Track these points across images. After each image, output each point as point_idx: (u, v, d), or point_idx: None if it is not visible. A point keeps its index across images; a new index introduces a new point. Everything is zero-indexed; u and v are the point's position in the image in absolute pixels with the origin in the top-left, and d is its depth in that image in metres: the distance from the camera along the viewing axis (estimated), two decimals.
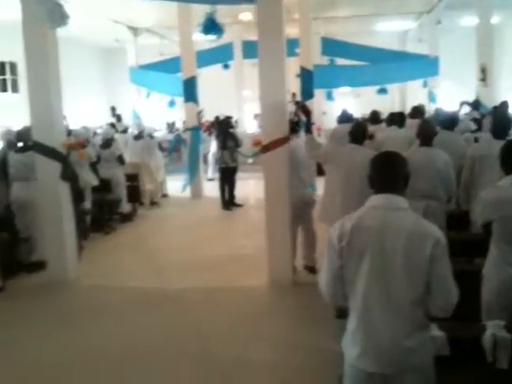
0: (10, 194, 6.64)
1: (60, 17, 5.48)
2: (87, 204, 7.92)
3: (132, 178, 9.60)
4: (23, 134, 6.75)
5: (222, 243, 7.58)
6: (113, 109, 14.03)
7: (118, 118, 13.62)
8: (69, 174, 5.98)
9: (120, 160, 9.08)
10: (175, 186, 11.73)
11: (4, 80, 15.26)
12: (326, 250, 2.32)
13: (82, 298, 5.66)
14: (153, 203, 10.53)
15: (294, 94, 12.90)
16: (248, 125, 17.05)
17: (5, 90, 15.21)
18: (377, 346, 2.18)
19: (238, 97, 17.18)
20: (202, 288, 5.78)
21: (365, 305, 2.20)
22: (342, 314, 2.54)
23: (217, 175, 10.95)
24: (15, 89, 15.20)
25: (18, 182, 6.60)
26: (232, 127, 10.12)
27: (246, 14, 13.53)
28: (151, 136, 11.04)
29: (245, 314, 5.03)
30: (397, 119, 7.64)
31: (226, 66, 16.53)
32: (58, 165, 5.88)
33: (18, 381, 4.03)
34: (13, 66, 15.16)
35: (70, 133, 7.66)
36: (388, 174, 2.31)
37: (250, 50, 14.62)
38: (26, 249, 6.55)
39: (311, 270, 5.95)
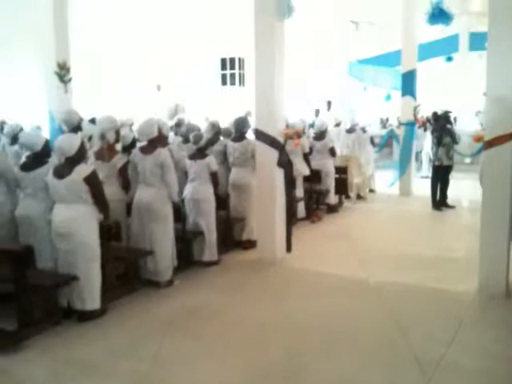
0: (228, 177, 7.30)
1: (288, 9, 5.80)
2: (298, 192, 8.30)
3: (341, 171, 9.74)
4: (239, 124, 7.33)
5: (430, 243, 7.28)
6: (329, 103, 14.42)
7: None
8: (285, 162, 6.33)
9: (331, 152, 9.29)
10: (384, 181, 11.59)
11: (233, 74, 16.94)
12: None
13: (287, 278, 5.96)
14: (359, 197, 10.57)
15: None
16: (468, 122, 15.91)
17: (233, 84, 16.90)
18: None
19: (460, 91, 16.15)
20: (405, 284, 5.63)
21: None
22: None
23: (430, 173, 10.50)
24: (242, 82, 16.77)
25: (236, 167, 7.22)
26: (450, 123, 9.54)
27: (476, 4, 12.64)
28: (364, 130, 11.06)
29: (447, 316, 4.77)
30: None
31: (450, 59, 15.65)
32: (275, 152, 6.27)
33: (226, 337, 4.47)
34: (241, 62, 16.72)
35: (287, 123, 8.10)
36: None
37: (477, 41, 13.71)
38: (238, 227, 7.15)
39: None
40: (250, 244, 7.03)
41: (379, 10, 13.68)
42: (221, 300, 5.32)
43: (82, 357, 4.19)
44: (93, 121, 7.30)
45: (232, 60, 17.09)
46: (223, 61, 17.16)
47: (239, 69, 17.07)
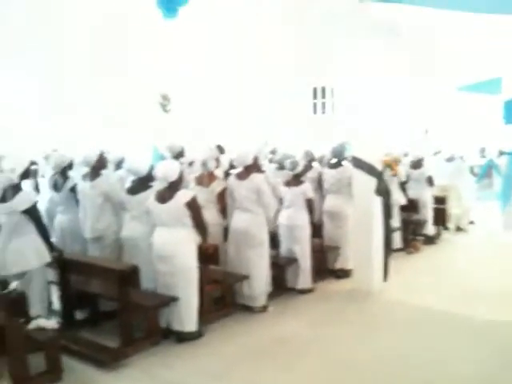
0: (323, 204, 7.24)
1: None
2: (394, 222, 8.05)
3: (440, 201, 9.36)
4: (337, 151, 7.28)
5: None
6: (426, 131, 14.00)
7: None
8: (383, 190, 6.17)
9: (429, 181, 8.98)
10: (484, 213, 10.97)
11: (323, 103, 17.22)
12: None
13: (384, 310, 5.75)
14: (458, 229, 10.08)
15: None
16: None
17: (324, 112, 17.17)
18: None
19: None
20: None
21: None
22: None
23: None
24: (333, 111, 16.98)
25: (330, 194, 7.15)
26: None
27: None
28: (463, 159, 10.60)
29: None
30: None
31: None
32: (373, 180, 6.15)
33: (318, 372, 4.35)
34: (332, 91, 16.99)
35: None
36: None
37: None
38: (332, 256, 7.03)
39: None
40: (344, 273, 6.91)
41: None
42: (314, 331, 5.21)
43: (178, 377, 4.28)
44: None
45: (323, 89, 17.33)
46: (315, 90, 17.43)
47: (331, 97, 17.23)
